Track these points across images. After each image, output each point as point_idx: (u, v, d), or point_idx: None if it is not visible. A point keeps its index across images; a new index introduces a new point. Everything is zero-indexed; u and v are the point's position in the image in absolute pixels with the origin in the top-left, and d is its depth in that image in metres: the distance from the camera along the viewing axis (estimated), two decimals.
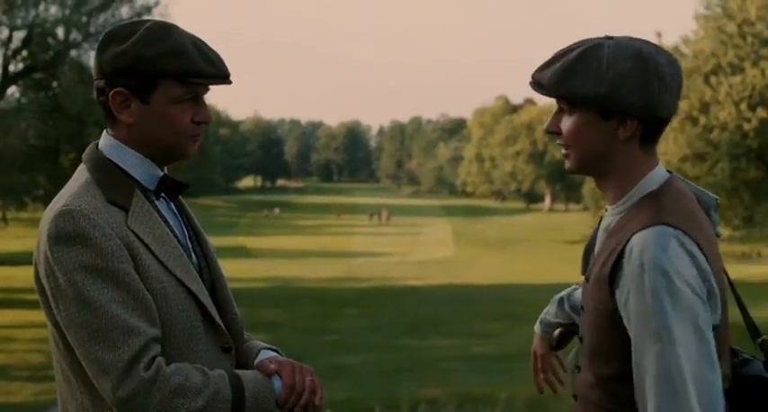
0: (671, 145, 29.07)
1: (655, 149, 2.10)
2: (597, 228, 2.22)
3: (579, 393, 2.18)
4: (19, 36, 28.57)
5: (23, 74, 29.01)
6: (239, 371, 2.06)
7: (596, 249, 2.16)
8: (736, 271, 39.34)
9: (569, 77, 2.01)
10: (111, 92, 2.06)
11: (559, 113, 2.09)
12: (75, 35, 29.03)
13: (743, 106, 27.94)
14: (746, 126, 27.88)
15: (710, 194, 2.17)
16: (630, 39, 2.05)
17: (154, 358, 1.94)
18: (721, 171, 28.28)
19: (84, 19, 28.87)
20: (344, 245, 55.15)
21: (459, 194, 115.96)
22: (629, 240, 1.95)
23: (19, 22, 27.66)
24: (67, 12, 28.19)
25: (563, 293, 2.64)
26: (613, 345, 2.02)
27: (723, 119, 28.05)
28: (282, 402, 2.07)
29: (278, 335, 18.57)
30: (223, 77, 2.11)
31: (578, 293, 2.57)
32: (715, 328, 1.96)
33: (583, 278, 2.21)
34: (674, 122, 28.89)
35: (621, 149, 2.05)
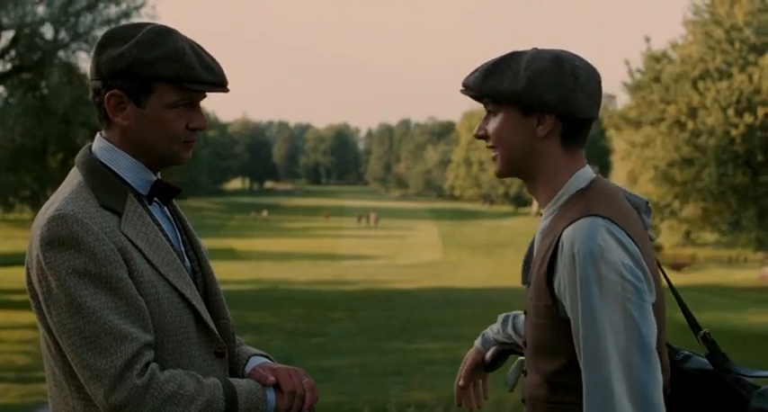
0: (659, 149, 29.15)
1: (580, 152, 2.18)
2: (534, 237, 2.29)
3: (527, 395, 2.22)
4: (7, 36, 28.49)
5: (11, 74, 28.88)
6: (234, 381, 2.06)
7: (534, 251, 2.22)
8: (723, 275, 39.62)
9: (490, 76, 2.13)
10: (107, 94, 2.04)
11: (487, 118, 2.19)
12: (63, 35, 28.91)
13: (730, 112, 28.02)
14: (734, 131, 27.96)
15: (640, 197, 2.24)
16: (545, 49, 2.16)
17: (147, 364, 1.93)
18: (708, 176, 28.34)
19: (72, 19, 28.76)
20: (332, 247, 55.09)
21: (447, 198, 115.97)
22: (560, 235, 2.02)
23: (5, 21, 27.54)
24: (56, 12, 28.07)
25: (512, 312, 2.67)
26: (554, 340, 2.07)
27: (710, 124, 28.12)
28: (286, 408, 2.08)
29: (265, 338, 18.52)
30: (220, 85, 2.09)
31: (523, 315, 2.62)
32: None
33: (526, 284, 2.24)
34: (662, 127, 28.98)
35: (543, 148, 2.13)
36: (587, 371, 1.95)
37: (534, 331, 2.13)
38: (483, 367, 2.66)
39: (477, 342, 2.69)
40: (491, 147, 2.19)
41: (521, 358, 2.55)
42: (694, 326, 2.27)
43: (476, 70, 2.18)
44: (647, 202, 2.24)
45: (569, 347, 2.02)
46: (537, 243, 2.20)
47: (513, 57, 2.14)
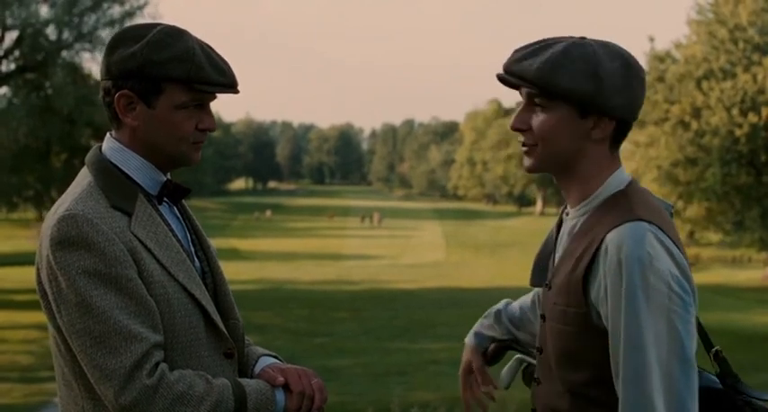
0: (662, 149, 29.13)
1: (618, 152, 2.08)
2: (554, 236, 2.20)
3: (542, 405, 2.14)
4: (11, 36, 28.52)
5: (15, 74, 28.90)
6: (243, 381, 2.06)
7: (558, 254, 2.12)
8: (727, 276, 39.58)
9: (558, 70, 1.95)
10: (117, 94, 2.04)
11: (529, 109, 2.04)
12: (66, 36, 28.93)
13: (734, 111, 28.00)
14: (738, 131, 27.93)
15: (666, 201, 2.14)
16: (607, 43, 2.04)
17: (157, 364, 1.93)
18: (712, 176, 28.32)
19: (76, 19, 28.77)
20: (336, 247, 55.07)
21: (451, 197, 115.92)
22: (603, 238, 1.92)
23: (9, 21, 27.56)
24: (59, 12, 28.09)
25: (499, 306, 2.60)
26: (583, 349, 1.99)
27: (714, 124, 28.10)
28: (295, 409, 2.08)
29: (268, 338, 18.53)
30: (230, 86, 2.09)
31: (515, 306, 2.56)
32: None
33: (544, 286, 2.16)
34: (666, 127, 28.95)
35: (591, 150, 2.02)
36: (626, 383, 1.87)
37: (559, 338, 2.04)
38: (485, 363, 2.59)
39: (472, 342, 2.60)
40: (528, 143, 2.05)
41: (518, 356, 2.51)
42: (706, 342, 2.18)
43: (527, 56, 2.01)
44: (672, 207, 2.16)
45: (599, 357, 1.94)
46: (565, 243, 2.10)
47: (576, 50, 1.97)
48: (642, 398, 1.85)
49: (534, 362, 2.34)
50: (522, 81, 2.00)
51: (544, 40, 2.04)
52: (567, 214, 2.12)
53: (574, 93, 1.96)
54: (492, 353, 2.59)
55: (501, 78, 2.05)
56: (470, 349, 2.60)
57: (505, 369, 2.54)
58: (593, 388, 1.99)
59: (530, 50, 2.02)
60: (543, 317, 2.13)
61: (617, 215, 1.94)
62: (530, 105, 2.04)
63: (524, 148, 2.07)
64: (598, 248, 1.93)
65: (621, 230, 1.90)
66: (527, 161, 2.08)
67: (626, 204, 1.97)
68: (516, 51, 2.05)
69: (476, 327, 2.62)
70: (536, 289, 2.46)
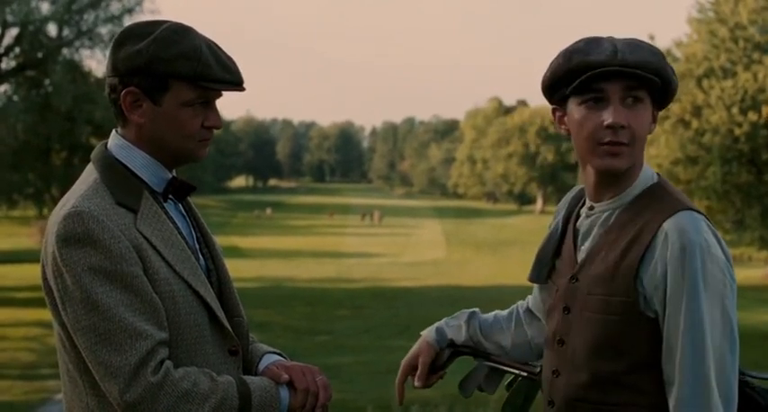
0: (663, 148, 29.13)
1: None
2: (558, 231, 2.22)
3: (562, 397, 2.13)
4: (11, 33, 28.51)
5: (15, 71, 28.89)
6: (248, 378, 2.06)
7: (585, 247, 2.13)
8: None
9: (666, 63, 2.05)
10: (124, 91, 2.04)
11: (625, 105, 2.00)
12: (66, 33, 28.93)
13: (734, 110, 28.00)
14: (738, 130, 27.95)
15: None
16: None
17: (162, 362, 1.93)
18: (713, 174, 28.34)
19: (76, 17, 28.78)
20: (336, 245, 55.04)
21: (451, 196, 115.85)
22: (659, 226, 1.97)
23: (10, 18, 27.55)
24: (60, 9, 28.08)
25: (470, 311, 2.53)
26: (626, 338, 2.01)
27: (715, 122, 28.12)
28: (300, 406, 2.09)
29: (269, 336, 18.52)
30: (236, 84, 2.09)
31: (489, 314, 2.52)
32: None
33: (569, 280, 2.14)
34: (666, 125, 28.95)
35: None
36: (685, 364, 1.93)
37: (598, 328, 2.04)
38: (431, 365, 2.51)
39: (431, 338, 2.52)
40: (626, 142, 2.01)
41: (485, 363, 2.47)
42: None
43: (635, 48, 2.02)
44: None
45: (641, 344, 1.99)
46: (596, 236, 2.11)
47: (651, 45, 2.07)
48: (701, 378, 1.92)
49: (504, 368, 2.42)
50: (651, 74, 1.99)
51: (619, 39, 2.06)
52: (592, 208, 2.14)
53: (673, 83, 2.07)
54: (446, 358, 2.51)
55: (619, 73, 1.99)
56: (425, 344, 2.53)
57: (469, 377, 2.50)
58: (632, 375, 2.02)
59: (633, 45, 2.03)
60: (567, 309, 2.13)
61: (667, 205, 2.01)
62: (622, 101, 2.01)
63: (618, 147, 2.02)
64: (654, 236, 1.97)
65: (679, 218, 1.97)
66: (620, 161, 2.03)
67: (671, 195, 2.05)
68: (593, 46, 2.02)
69: (439, 323, 2.55)
70: (519, 303, 2.51)
